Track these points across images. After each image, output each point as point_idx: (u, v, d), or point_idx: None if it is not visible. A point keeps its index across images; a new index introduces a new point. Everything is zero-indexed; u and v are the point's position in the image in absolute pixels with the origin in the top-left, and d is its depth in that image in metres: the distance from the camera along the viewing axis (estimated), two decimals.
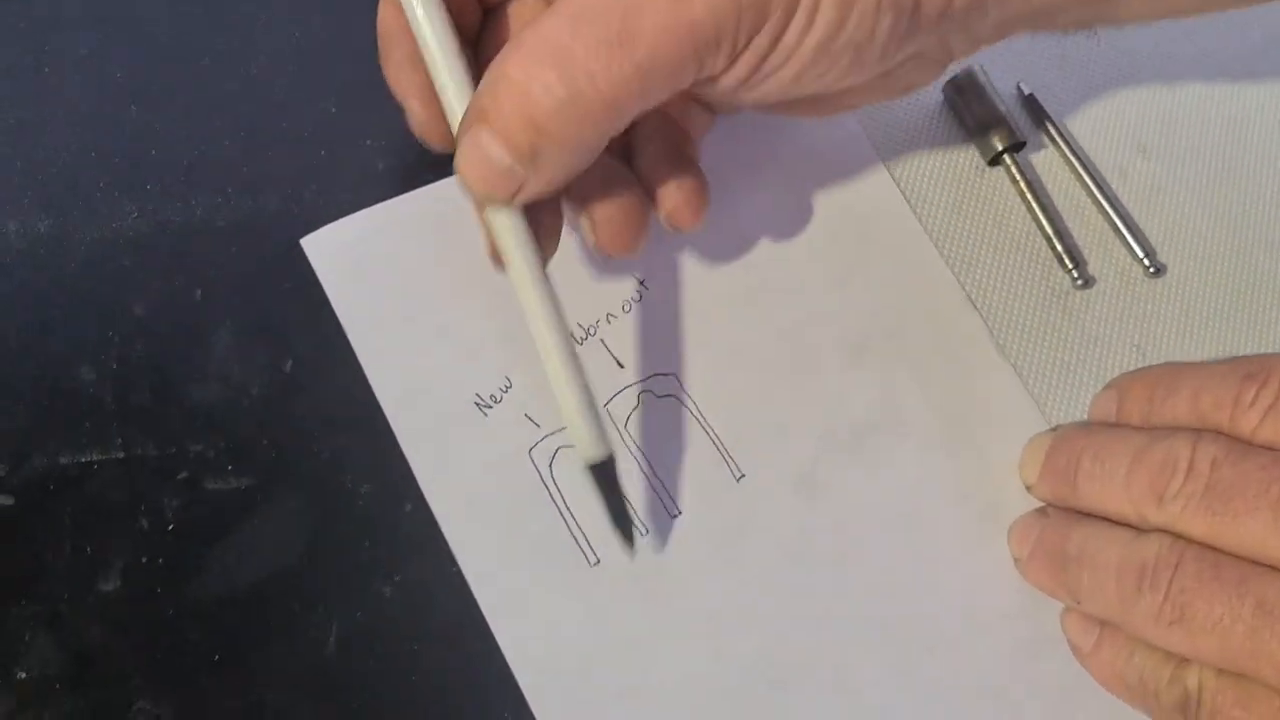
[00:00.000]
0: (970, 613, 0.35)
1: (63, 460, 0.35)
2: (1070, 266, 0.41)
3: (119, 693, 0.32)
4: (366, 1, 0.41)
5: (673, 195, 0.33)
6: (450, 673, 0.33)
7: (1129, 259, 0.42)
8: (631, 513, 0.35)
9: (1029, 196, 0.42)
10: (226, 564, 0.34)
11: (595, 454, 0.32)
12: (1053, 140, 0.43)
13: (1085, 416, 0.38)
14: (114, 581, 0.33)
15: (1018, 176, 0.42)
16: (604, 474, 0.32)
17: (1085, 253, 0.42)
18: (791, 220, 0.41)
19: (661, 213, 0.34)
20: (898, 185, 0.42)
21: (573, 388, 0.31)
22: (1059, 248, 0.41)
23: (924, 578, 0.36)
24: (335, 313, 0.37)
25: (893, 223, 0.41)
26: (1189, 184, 0.44)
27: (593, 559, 0.35)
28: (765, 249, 0.40)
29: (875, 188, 0.41)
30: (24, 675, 0.32)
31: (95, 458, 0.35)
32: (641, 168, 0.34)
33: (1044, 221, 0.41)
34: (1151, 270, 0.41)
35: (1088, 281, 0.41)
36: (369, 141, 0.40)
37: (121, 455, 0.35)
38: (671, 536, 0.35)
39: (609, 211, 0.33)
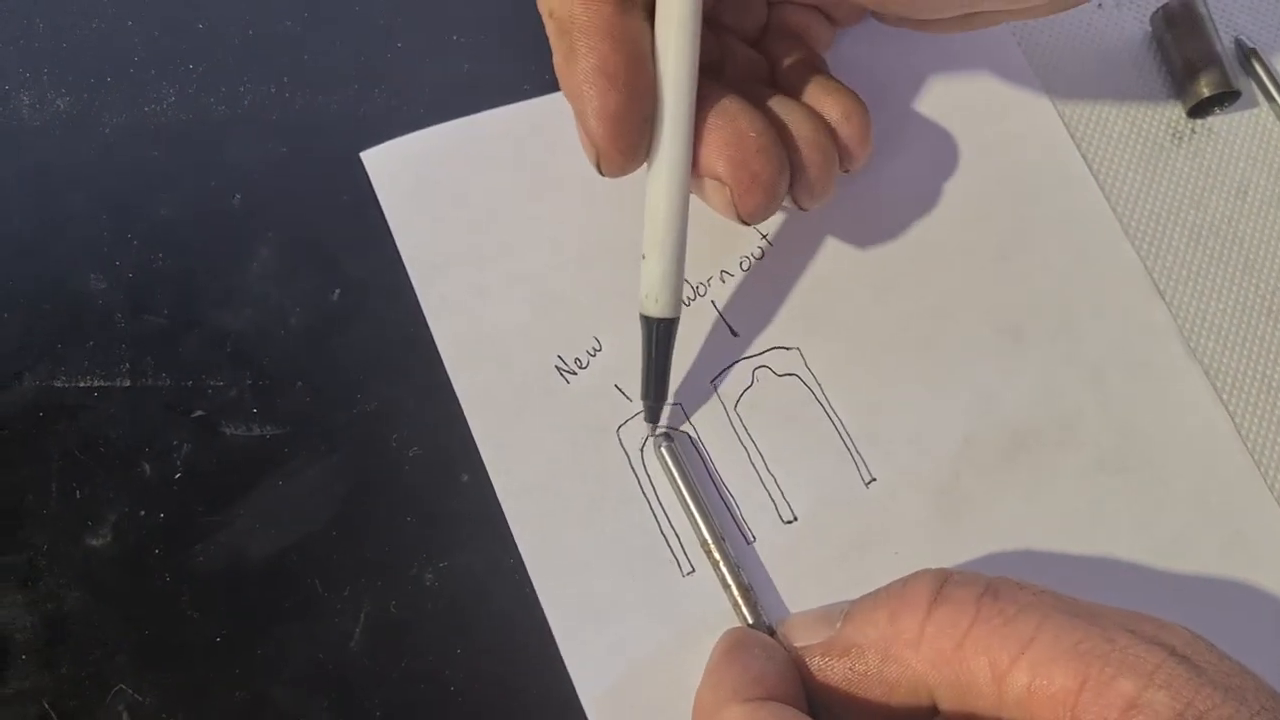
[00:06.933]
0: None
1: (58, 384, 0.29)
2: None
3: (97, 670, 0.27)
4: None
5: (841, 127, 0.29)
6: (498, 683, 0.28)
7: None
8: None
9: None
10: (240, 528, 0.29)
11: (666, 311, 0.28)
12: (1271, 100, 0.36)
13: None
14: (104, 536, 0.28)
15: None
16: (665, 333, 0.29)
17: None
18: (941, 174, 0.34)
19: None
20: (1074, 139, 0.35)
21: (675, 212, 0.27)
22: None
23: None
24: (394, 241, 0.32)
25: (1066, 185, 0.34)
26: None
27: (686, 567, 0.29)
28: (908, 207, 0.34)
29: (1046, 141, 0.35)
30: None
31: (97, 384, 0.30)
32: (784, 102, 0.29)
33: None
34: None
35: None
36: (456, 37, 0.34)
37: (128, 384, 0.30)
38: (781, 545, 0.29)
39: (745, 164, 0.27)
